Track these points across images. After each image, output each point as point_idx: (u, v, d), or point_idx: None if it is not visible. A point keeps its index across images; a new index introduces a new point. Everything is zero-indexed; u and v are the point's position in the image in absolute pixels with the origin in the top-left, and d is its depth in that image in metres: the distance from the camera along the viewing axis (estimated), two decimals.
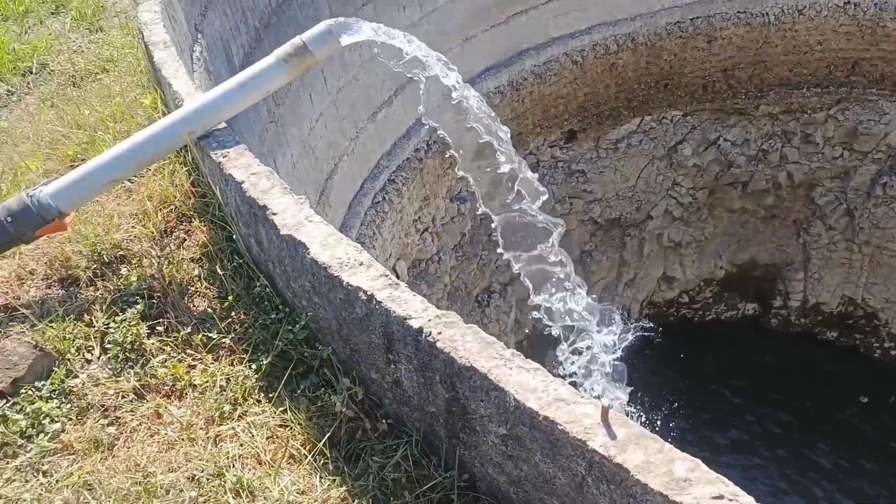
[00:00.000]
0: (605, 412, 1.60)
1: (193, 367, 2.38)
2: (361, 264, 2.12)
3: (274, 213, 2.31)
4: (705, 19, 6.83)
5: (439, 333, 1.89)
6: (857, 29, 6.58)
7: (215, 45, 4.15)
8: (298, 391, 2.30)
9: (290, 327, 2.43)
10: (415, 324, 1.92)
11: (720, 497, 1.43)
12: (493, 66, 6.73)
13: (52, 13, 5.08)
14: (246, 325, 2.48)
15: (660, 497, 1.44)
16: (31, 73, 4.34)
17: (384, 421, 2.23)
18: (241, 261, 2.65)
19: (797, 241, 7.45)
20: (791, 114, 7.14)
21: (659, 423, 6.66)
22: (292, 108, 4.95)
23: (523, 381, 1.74)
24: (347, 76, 5.49)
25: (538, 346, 7.09)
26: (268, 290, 2.55)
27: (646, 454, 1.53)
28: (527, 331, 7.40)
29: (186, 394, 2.30)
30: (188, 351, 2.41)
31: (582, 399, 1.66)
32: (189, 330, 2.45)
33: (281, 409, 2.24)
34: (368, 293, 2.03)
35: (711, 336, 7.84)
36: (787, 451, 6.47)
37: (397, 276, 6.20)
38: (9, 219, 2.42)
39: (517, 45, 6.76)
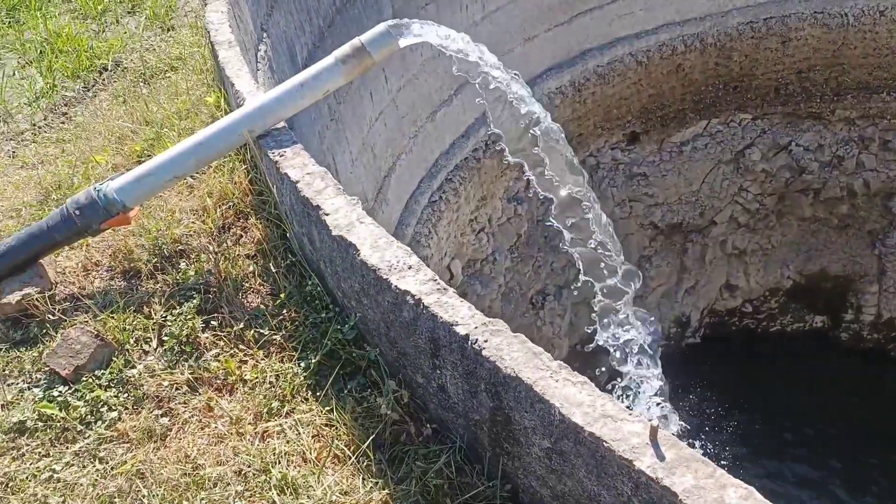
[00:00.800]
0: (654, 432, 1.54)
1: (245, 362, 2.43)
2: (410, 268, 2.11)
3: (326, 214, 2.33)
4: (780, 19, 6.54)
5: (485, 341, 1.86)
6: None
7: (280, 44, 4.23)
8: (345, 391, 2.32)
9: (339, 327, 2.44)
10: (461, 330, 1.90)
11: None
12: (554, 66, 6.63)
13: (129, 12, 5.29)
14: (296, 322, 2.52)
15: None
16: (106, 70, 4.53)
17: (428, 426, 2.22)
18: (294, 259, 2.69)
19: (872, 253, 7.06)
20: (869, 119, 6.77)
21: (714, 437, 6.43)
22: (353, 106, 5.01)
23: (569, 394, 1.69)
24: (408, 75, 5.51)
25: (593, 350, 6.97)
26: (319, 289, 2.58)
27: (695, 478, 1.46)
28: (589, 332, 7.25)
29: (237, 388, 2.35)
30: (240, 346, 2.46)
31: (630, 416, 1.61)
32: (242, 325, 2.50)
33: (327, 408, 2.26)
34: (416, 297, 2.02)
35: (776, 348, 7.52)
36: (852, 477, 6.14)
37: (451, 275, 6.24)
38: (77, 212, 2.53)
39: (580, 45, 6.64)
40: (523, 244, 6.77)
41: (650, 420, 1.57)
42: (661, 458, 1.51)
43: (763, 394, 6.90)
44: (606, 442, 1.57)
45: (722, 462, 5.91)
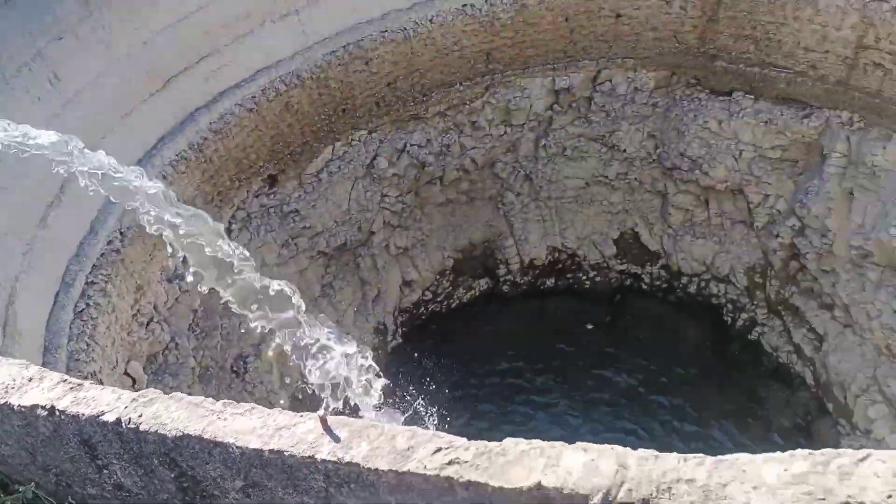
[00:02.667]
0: (323, 421, 1.63)
1: None
2: (31, 380, 1.87)
3: None
4: (356, 44, 7.30)
5: (140, 416, 1.75)
6: (480, 25, 7.59)
7: None
8: None
9: None
10: (110, 417, 1.76)
11: (439, 449, 1.54)
12: (167, 133, 6.44)
13: None
14: None
15: (391, 474, 1.51)
16: None
17: None
18: None
19: (499, 214, 8.37)
20: (455, 108, 7.98)
21: (445, 415, 7.00)
22: None
23: (240, 426, 1.69)
24: None
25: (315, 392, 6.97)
26: None
27: (370, 443, 1.59)
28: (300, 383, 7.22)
29: None
30: None
31: (302, 418, 1.67)
32: None
33: None
34: (48, 407, 1.80)
35: (464, 318, 8.45)
36: (555, 391, 7.32)
37: (134, 380, 5.65)
38: None
39: (185, 108, 6.56)
40: (202, 318, 6.46)
41: (318, 412, 1.65)
42: (337, 440, 1.61)
43: (468, 358, 7.72)
44: (287, 451, 1.61)
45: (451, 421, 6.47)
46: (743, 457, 1.33)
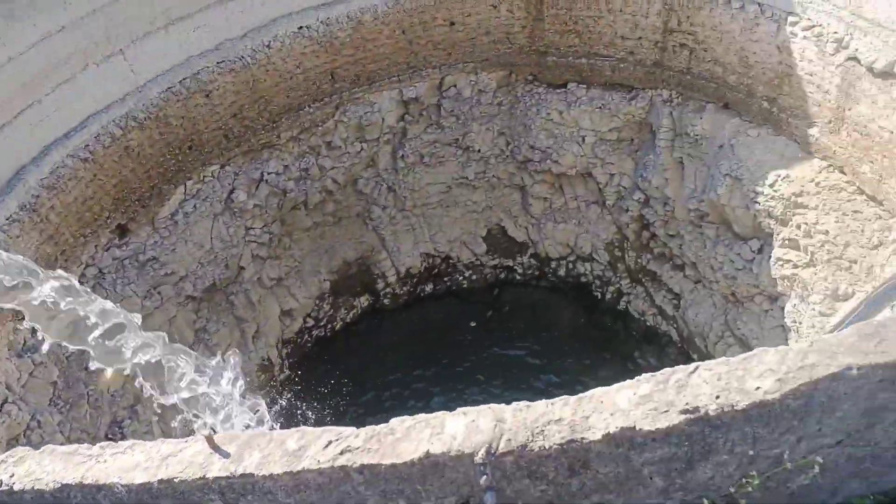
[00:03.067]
0: (210, 440, 1.60)
1: None
2: None
3: None
4: (192, 77, 7.07)
5: (11, 476, 1.63)
6: (319, 46, 7.63)
7: None
8: None
9: None
10: None
11: (330, 442, 1.58)
12: None
13: None
14: None
15: (286, 476, 1.52)
16: None
17: None
18: None
19: (369, 229, 8.42)
20: (308, 131, 7.95)
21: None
22: None
23: (123, 464, 1.62)
24: None
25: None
26: None
27: (261, 451, 1.59)
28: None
29: None
30: None
31: (188, 442, 1.63)
32: None
33: None
34: None
35: (348, 338, 8.40)
36: (446, 388, 7.50)
37: None
38: None
39: (10, 166, 6.05)
40: (64, 389, 5.96)
41: (204, 433, 1.63)
42: (227, 455, 1.59)
43: (359, 377, 7.68)
44: (177, 477, 1.57)
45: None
46: (599, 390, 1.48)
